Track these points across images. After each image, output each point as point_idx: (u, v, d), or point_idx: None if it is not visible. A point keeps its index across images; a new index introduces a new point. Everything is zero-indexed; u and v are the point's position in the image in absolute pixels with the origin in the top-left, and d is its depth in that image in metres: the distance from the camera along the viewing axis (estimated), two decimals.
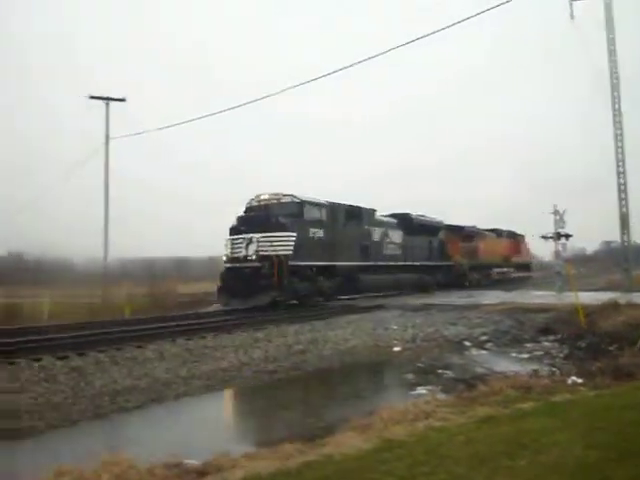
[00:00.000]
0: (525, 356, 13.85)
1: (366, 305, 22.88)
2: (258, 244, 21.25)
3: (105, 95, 30.76)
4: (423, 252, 31.84)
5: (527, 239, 46.43)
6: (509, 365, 12.60)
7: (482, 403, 8.23)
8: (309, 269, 22.30)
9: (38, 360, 11.23)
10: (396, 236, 29.44)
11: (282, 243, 21.22)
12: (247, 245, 21.35)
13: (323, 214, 23.40)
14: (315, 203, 23.10)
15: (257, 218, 21.83)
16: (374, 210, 28.31)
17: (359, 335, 16.65)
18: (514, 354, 14.17)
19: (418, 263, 30.84)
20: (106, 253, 29.08)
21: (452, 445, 6.20)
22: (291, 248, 21.29)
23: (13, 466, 6.82)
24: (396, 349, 15.09)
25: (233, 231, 22.00)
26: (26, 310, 23.01)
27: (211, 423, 8.98)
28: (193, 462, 6.38)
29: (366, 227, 26.62)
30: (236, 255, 21.54)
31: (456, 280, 34.67)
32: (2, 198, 57.04)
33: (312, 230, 22.45)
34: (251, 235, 21.44)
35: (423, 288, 30.97)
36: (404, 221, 30.56)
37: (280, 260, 20.76)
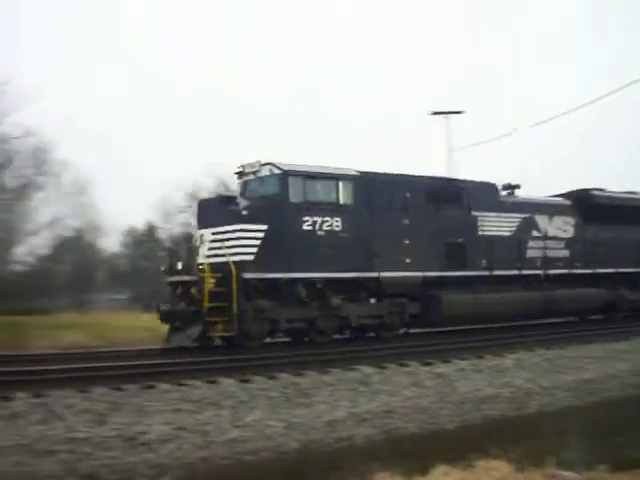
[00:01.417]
0: None
1: None
2: (209, 245, 13.35)
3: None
4: (624, 252, 18.78)
5: None
6: None
7: None
8: (308, 285, 13.33)
9: (405, 366, 11.47)
10: (559, 226, 17.62)
11: (236, 242, 12.85)
12: (199, 247, 13.61)
13: (343, 193, 13.96)
14: (319, 174, 13.80)
15: (213, 204, 13.83)
16: (509, 187, 17.29)
17: None
18: None
19: (611, 270, 18.18)
20: None
21: None
22: (252, 250, 12.78)
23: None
24: None
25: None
26: None
27: (575, 437, 7.71)
28: (571, 474, 6.21)
29: (473, 213, 15.95)
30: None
31: None
32: None
33: (311, 220, 13.34)
34: (203, 231, 13.63)
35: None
36: (582, 202, 18.30)
37: (225, 270, 12.48)
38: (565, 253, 17.61)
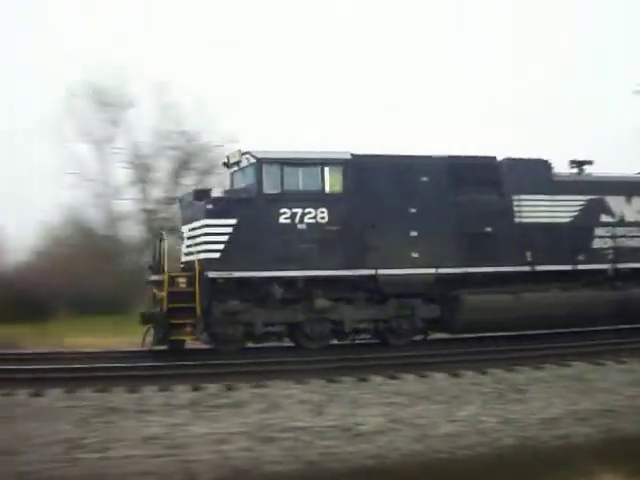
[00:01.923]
0: None
1: None
2: (186, 242, 12.59)
3: None
4: None
5: None
6: None
7: None
8: (288, 285, 11.95)
9: (622, 363, 11.06)
10: None
11: (203, 239, 11.90)
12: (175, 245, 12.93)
13: (329, 180, 12.28)
14: (300, 161, 12.24)
15: (190, 199, 12.90)
16: (577, 164, 14.32)
17: None
18: None
19: None
20: None
21: None
22: (219, 247, 11.73)
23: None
24: None
25: None
26: None
27: None
28: None
29: (512, 197, 13.29)
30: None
31: None
32: None
33: (290, 212, 11.93)
34: (183, 228, 12.91)
35: None
36: None
37: (186, 270, 11.60)
38: None
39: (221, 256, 11.67)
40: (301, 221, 12.00)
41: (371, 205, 12.37)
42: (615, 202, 13.91)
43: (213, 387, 9.09)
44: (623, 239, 13.83)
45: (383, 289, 12.37)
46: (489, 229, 12.91)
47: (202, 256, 11.66)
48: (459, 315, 12.61)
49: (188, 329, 11.68)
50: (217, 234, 11.74)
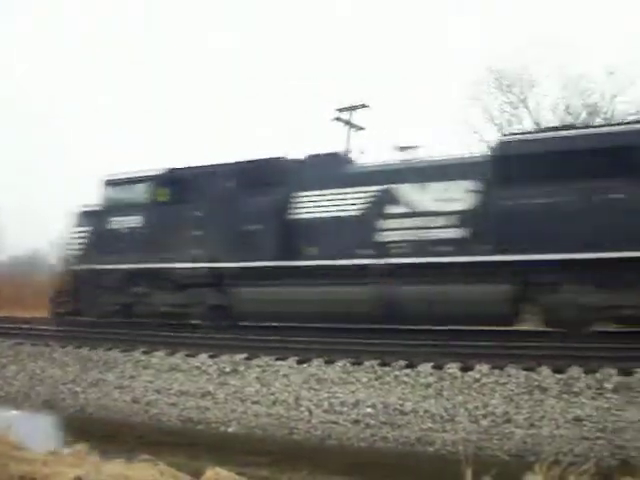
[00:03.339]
0: None
1: None
2: None
3: None
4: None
5: None
6: None
7: None
8: (116, 274, 15.55)
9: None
10: (448, 196, 12.26)
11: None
12: None
13: (143, 193, 15.27)
14: (127, 180, 15.55)
15: None
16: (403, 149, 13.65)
17: None
18: None
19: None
20: None
21: None
22: (79, 247, 16.21)
23: None
24: None
25: None
26: None
27: None
28: None
29: (292, 194, 13.58)
30: None
31: None
32: None
33: (116, 220, 15.55)
34: None
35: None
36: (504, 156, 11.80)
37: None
38: (456, 233, 12.04)
39: (81, 254, 16.08)
40: (122, 226, 15.45)
41: (169, 211, 14.85)
42: (406, 191, 12.49)
43: None
44: (417, 230, 12.34)
45: (177, 280, 14.72)
46: (255, 227, 13.67)
47: (67, 253, 16.36)
48: (233, 305, 13.92)
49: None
50: (78, 238, 16.23)
